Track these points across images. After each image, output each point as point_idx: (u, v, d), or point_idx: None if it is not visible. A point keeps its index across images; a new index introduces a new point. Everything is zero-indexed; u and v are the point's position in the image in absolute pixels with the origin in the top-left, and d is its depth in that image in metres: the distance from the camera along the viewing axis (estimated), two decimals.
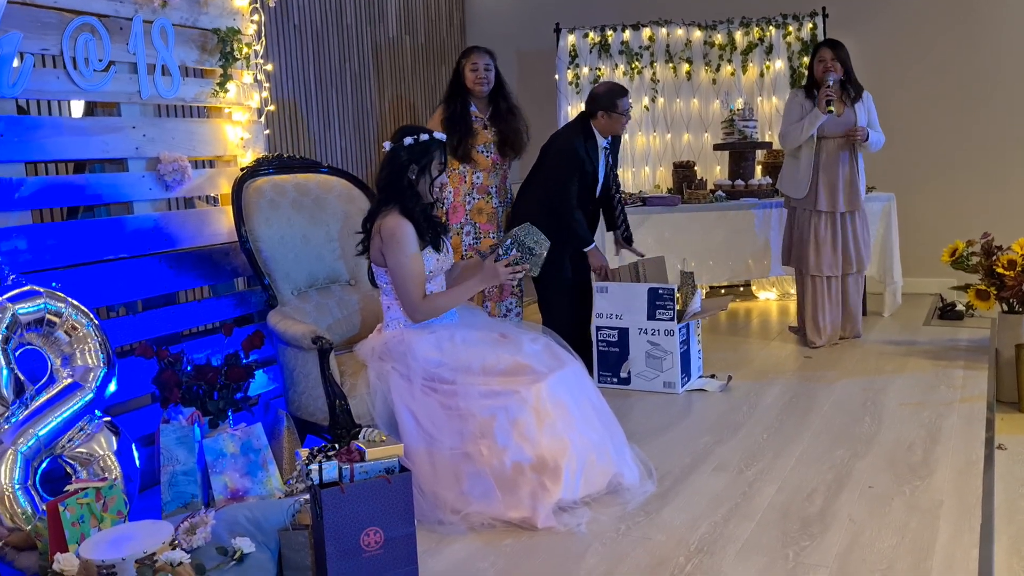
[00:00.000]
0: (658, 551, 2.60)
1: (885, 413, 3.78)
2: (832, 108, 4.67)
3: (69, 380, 2.76)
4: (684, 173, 6.20)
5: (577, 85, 6.53)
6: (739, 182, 6.08)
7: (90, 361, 2.81)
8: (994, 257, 4.28)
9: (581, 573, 2.50)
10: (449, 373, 2.96)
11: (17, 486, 2.54)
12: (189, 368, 3.04)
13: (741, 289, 6.67)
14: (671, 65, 6.54)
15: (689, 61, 6.51)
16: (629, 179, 6.62)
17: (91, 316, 2.83)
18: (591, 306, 4.48)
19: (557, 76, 6.61)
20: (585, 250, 4.42)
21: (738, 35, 6.46)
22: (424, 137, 3.13)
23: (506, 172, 4.74)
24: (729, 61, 6.49)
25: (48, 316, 2.72)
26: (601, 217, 4.73)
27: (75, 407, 2.73)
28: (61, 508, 2.27)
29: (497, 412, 2.87)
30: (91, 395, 2.77)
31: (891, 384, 4.21)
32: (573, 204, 4.35)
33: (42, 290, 2.72)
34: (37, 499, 2.57)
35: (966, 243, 4.48)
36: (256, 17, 3.90)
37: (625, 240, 4.73)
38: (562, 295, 4.49)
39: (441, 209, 3.34)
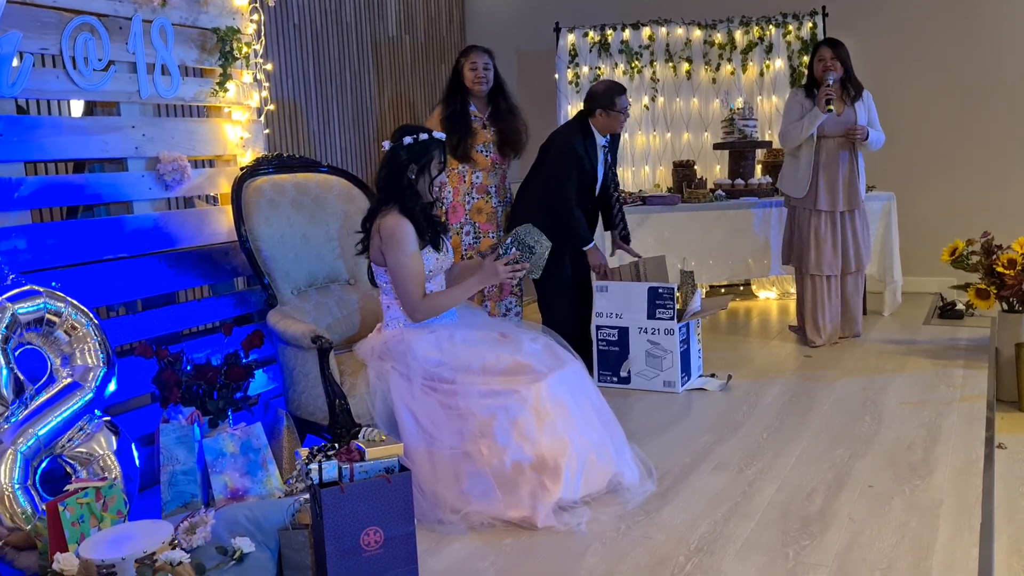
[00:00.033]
0: (658, 550, 2.60)
1: (885, 412, 3.78)
2: (832, 107, 4.66)
3: (69, 380, 2.76)
4: (684, 172, 6.20)
5: (577, 84, 6.53)
6: (739, 181, 6.08)
7: (90, 361, 2.81)
8: (994, 256, 4.27)
9: (581, 572, 2.50)
10: (449, 372, 2.96)
11: (17, 486, 2.54)
12: (189, 368, 3.04)
13: (741, 288, 6.67)
14: (671, 64, 6.53)
15: (689, 60, 6.51)
16: (629, 178, 6.62)
17: (91, 316, 2.83)
18: (591, 305, 4.48)
19: (557, 75, 6.61)
20: (584, 249, 4.42)
21: (738, 34, 6.45)
22: (423, 136, 3.13)
23: (505, 172, 4.74)
24: (729, 60, 6.48)
25: (48, 316, 2.72)
26: (600, 217, 4.73)
27: (75, 407, 2.73)
28: (61, 508, 2.27)
29: (497, 411, 2.87)
30: (91, 395, 2.77)
31: (891, 383, 4.21)
32: (572, 203, 4.35)
33: (42, 290, 2.72)
34: (37, 499, 2.57)
35: (966, 242, 4.48)
36: (256, 16, 3.90)
37: (622, 239, 4.73)
38: (562, 294, 4.49)
39: (441, 208, 3.33)
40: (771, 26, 6.36)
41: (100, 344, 2.83)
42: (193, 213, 3.68)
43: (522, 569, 2.53)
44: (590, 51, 6.56)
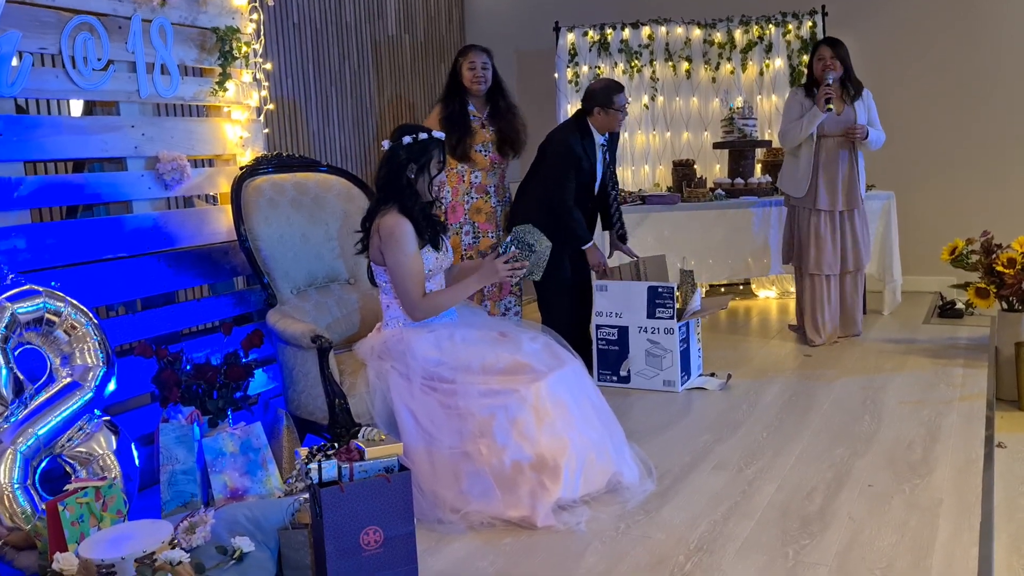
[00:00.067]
0: (658, 550, 2.60)
1: (885, 411, 3.78)
2: (832, 106, 4.66)
3: (68, 379, 2.76)
4: (684, 171, 6.20)
5: (577, 84, 6.53)
6: (739, 180, 6.08)
7: (89, 360, 2.80)
8: (994, 255, 4.27)
9: (581, 572, 2.50)
10: (448, 372, 2.96)
11: (16, 485, 2.54)
12: (188, 367, 3.04)
13: (741, 287, 6.67)
14: (670, 63, 6.53)
15: (689, 59, 6.51)
16: (629, 177, 6.62)
17: (90, 315, 2.83)
18: (591, 305, 4.48)
19: (556, 75, 6.61)
20: (583, 248, 4.42)
21: (738, 33, 6.45)
22: (423, 136, 3.13)
23: (504, 171, 4.73)
24: (729, 59, 6.48)
25: (47, 315, 2.72)
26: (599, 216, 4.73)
27: (74, 406, 2.73)
28: (60, 507, 2.27)
29: (496, 411, 2.87)
30: (90, 394, 2.77)
31: (891, 382, 4.21)
32: (570, 202, 4.35)
33: (41, 289, 2.72)
34: (36, 498, 2.57)
35: (966, 241, 4.48)
36: (255, 16, 3.90)
37: (619, 239, 4.72)
38: (561, 294, 4.49)
39: (440, 208, 3.33)
40: (771, 25, 6.36)
41: (100, 344, 2.83)
42: (192, 213, 3.68)
43: (522, 568, 2.53)
44: (590, 50, 6.56)
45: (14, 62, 2.86)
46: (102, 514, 2.38)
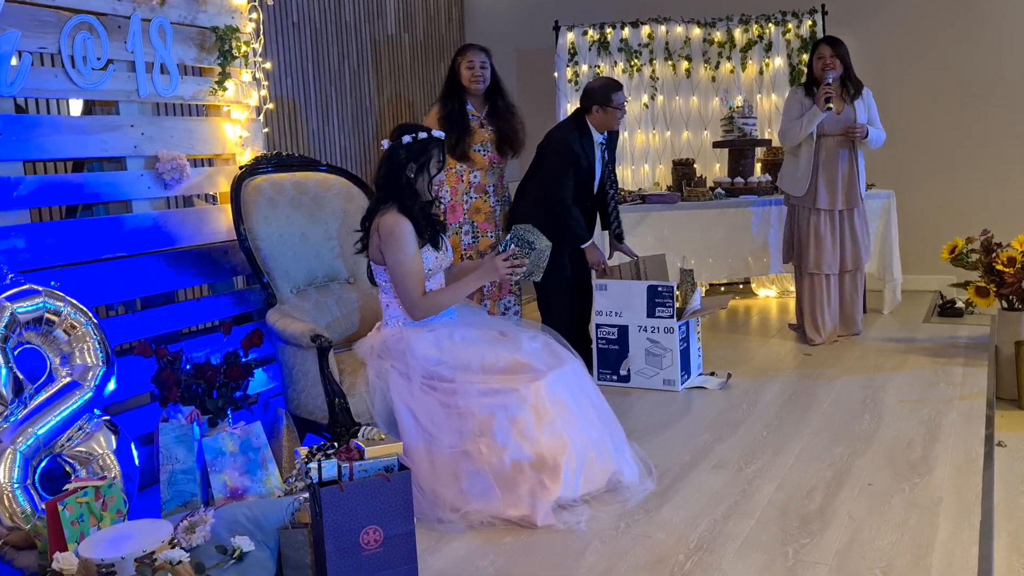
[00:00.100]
0: (658, 549, 2.60)
1: (884, 410, 3.78)
2: (831, 105, 4.66)
3: (68, 379, 2.76)
4: (683, 171, 6.20)
5: (576, 83, 6.52)
6: (739, 180, 6.08)
7: (89, 360, 2.80)
8: (993, 254, 4.27)
9: (581, 571, 2.50)
10: (448, 371, 2.96)
11: (16, 485, 2.54)
12: (188, 367, 3.04)
13: (741, 287, 6.67)
14: (670, 63, 6.53)
15: (688, 58, 6.51)
16: (628, 177, 6.62)
17: (90, 315, 2.83)
18: (590, 304, 4.48)
19: (556, 74, 6.61)
20: (583, 247, 4.41)
21: (737, 32, 6.45)
22: (422, 135, 3.13)
23: (503, 171, 4.73)
24: (728, 58, 6.48)
25: (47, 315, 2.72)
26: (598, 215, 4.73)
27: (74, 406, 2.73)
28: (60, 507, 2.27)
29: (496, 410, 2.87)
30: (90, 394, 2.77)
31: (890, 381, 4.21)
32: (569, 201, 4.34)
33: (41, 289, 2.72)
34: (36, 498, 2.57)
35: (966, 240, 4.48)
36: (255, 15, 3.90)
37: (616, 238, 4.72)
38: (561, 293, 4.49)
39: (439, 207, 3.33)
40: (770, 24, 6.36)
41: (99, 343, 2.83)
42: (192, 212, 3.68)
43: (522, 568, 2.53)
44: (589, 49, 6.56)
45: (13, 61, 2.86)
46: (102, 514, 2.38)
